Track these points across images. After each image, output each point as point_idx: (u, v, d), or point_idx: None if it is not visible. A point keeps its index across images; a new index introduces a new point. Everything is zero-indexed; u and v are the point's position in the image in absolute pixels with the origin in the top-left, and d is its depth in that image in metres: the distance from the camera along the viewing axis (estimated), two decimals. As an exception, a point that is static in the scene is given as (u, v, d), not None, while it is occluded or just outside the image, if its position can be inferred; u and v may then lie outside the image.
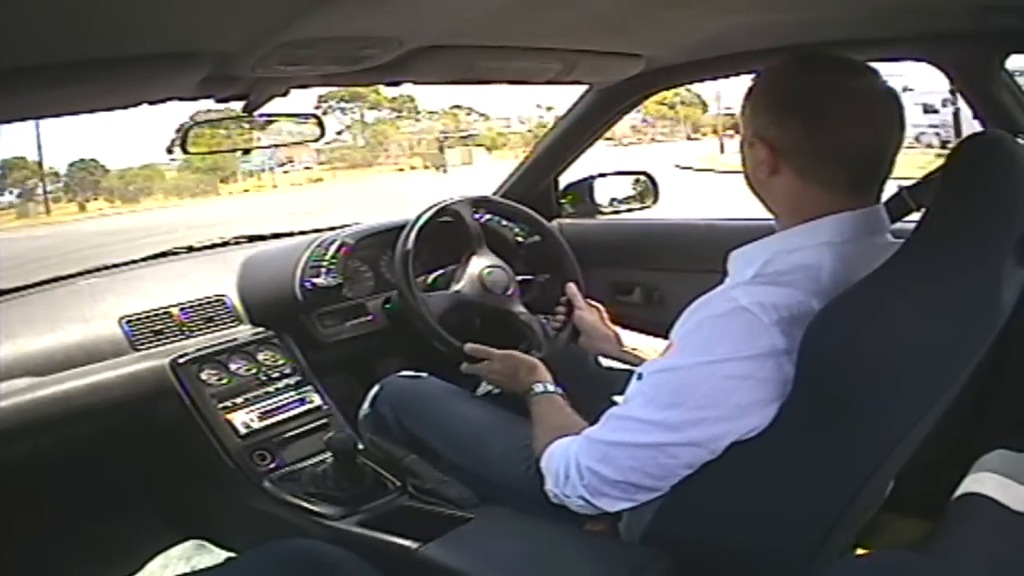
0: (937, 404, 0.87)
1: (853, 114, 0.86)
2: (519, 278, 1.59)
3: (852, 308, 0.80)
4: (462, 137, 32.72)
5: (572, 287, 1.54)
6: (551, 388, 1.21)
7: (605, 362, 1.51)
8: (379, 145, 32.23)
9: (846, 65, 0.90)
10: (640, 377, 0.92)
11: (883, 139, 0.88)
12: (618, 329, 1.47)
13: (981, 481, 0.95)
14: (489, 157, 30.89)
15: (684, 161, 18.53)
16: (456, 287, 1.52)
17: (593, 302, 1.52)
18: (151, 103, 1.15)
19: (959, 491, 0.95)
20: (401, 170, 30.05)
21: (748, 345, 0.83)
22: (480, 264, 1.53)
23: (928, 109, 15.53)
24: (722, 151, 21.26)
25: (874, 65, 0.91)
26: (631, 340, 1.44)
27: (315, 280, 1.60)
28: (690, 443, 0.87)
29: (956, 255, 0.78)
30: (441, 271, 1.61)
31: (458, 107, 34.88)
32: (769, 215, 0.97)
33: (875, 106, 0.87)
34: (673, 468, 0.89)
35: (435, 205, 1.54)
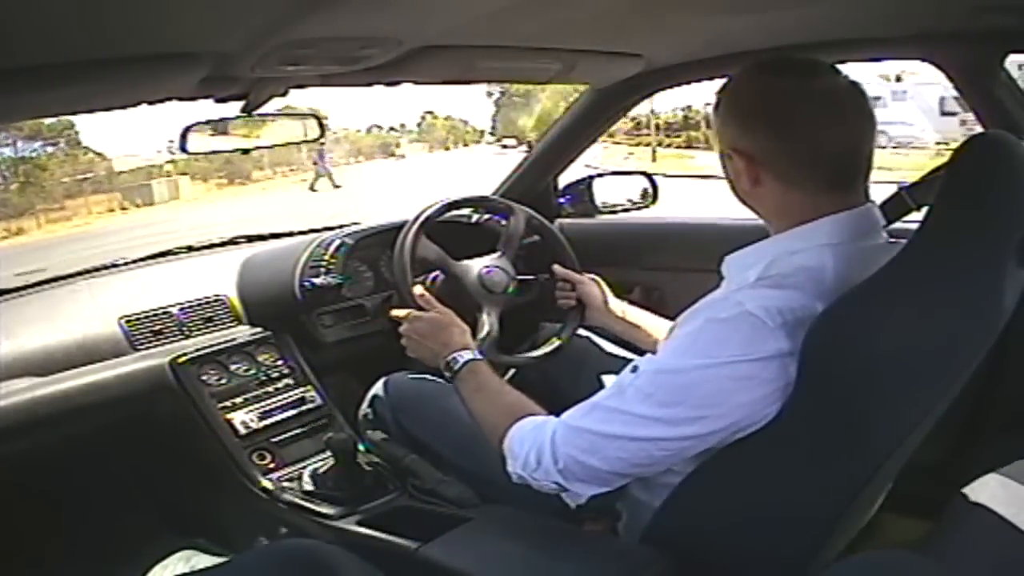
0: (939, 405, 0.87)
1: (821, 114, 0.86)
2: (519, 278, 1.58)
3: (854, 309, 0.80)
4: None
5: (558, 268, 1.52)
6: (477, 356, 1.15)
7: (608, 347, 1.52)
8: (37, 185, 24.86)
9: (806, 66, 0.89)
10: (635, 370, 0.91)
11: (856, 135, 0.88)
12: (622, 304, 1.47)
13: (981, 481, 0.95)
14: (199, 188, 26.43)
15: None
16: (454, 263, 1.50)
17: (595, 277, 1.52)
18: (151, 103, 1.16)
19: (959, 491, 0.94)
20: (112, 211, 24.26)
21: (753, 348, 0.82)
22: (487, 261, 1.52)
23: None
24: (653, 159, 20.58)
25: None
26: (634, 315, 1.45)
27: (315, 280, 1.60)
28: (685, 438, 0.87)
29: (959, 257, 0.78)
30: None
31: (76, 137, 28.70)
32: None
33: (843, 104, 0.87)
34: (663, 459, 0.89)
35: (435, 204, 1.53)
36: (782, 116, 0.86)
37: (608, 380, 1.44)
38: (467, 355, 1.14)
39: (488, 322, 1.43)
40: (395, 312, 1.30)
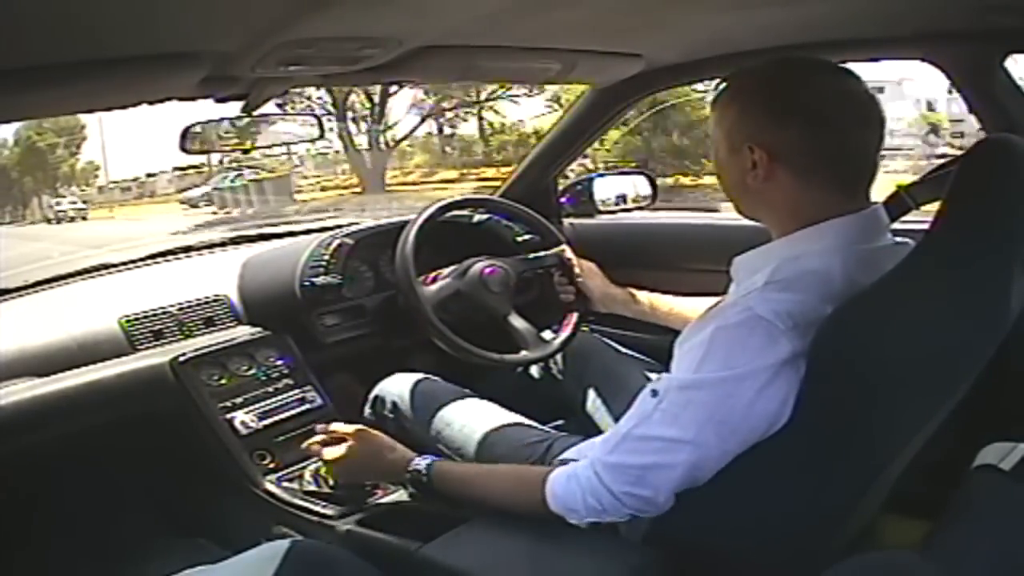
0: (943, 408, 0.87)
1: (851, 114, 0.87)
2: (519, 278, 1.59)
3: (862, 313, 0.80)
4: None
5: (563, 255, 1.53)
6: (432, 459, 1.11)
7: (613, 345, 1.51)
8: None
9: (832, 67, 0.91)
10: (655, 393, 0.89)
11: (873, 139, 0.89)
12: (627, 289, 1.48)
13: (981, 481, 0.95)
14: None
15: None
16: (456, 284, 1.51)
17: (587, 263, 1.52)
18: (151, 103, 1.16)
19: (959, 491, 0.94)
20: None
21: (768, 353, 0.82)
22: (480, 263, 1.52)
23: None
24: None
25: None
26: (644, 296, 1.45)
27: (315, 280, 1.60)
28: (724, 453, 0.86)
29: (966, 262, 0.78)
30: (441, 270, 1.61)
31: None
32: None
33: (868, 106, 0.89)
34: (707, 473, 0.88)
35: (436, 204, 1.54)
36: (816, 111, 0.87)
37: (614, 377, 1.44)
38: (424, 461, 1.10)
39: (520, 325, 1.46)
40: (326, 453, 1.20)
